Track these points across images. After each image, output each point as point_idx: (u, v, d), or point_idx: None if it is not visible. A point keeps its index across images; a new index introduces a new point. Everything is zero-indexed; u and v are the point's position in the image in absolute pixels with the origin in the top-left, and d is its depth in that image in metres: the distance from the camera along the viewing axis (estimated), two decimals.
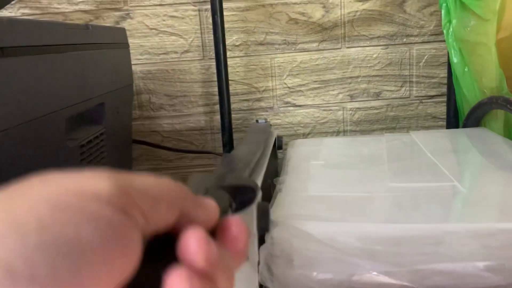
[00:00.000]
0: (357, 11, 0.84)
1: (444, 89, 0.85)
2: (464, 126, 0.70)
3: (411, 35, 0.85)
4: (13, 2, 0.81)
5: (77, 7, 0.85)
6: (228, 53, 0.82)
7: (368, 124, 0.90)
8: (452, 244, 0.33)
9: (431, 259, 0.32)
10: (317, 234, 0.35)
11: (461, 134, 0.66)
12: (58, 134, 0.48)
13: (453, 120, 0.78)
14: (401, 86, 0.88)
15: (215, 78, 0.78)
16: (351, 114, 0.90)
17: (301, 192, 0.45)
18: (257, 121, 0.79)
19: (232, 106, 0.83)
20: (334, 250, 0.34)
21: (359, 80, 0.88)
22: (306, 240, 0.35)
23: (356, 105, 0.89)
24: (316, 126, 0.91)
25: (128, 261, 0.15)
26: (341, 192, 0.44)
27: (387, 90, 0.88)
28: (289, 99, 0.89)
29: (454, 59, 0.71)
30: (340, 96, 0.89)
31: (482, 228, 0.34)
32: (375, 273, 0.32)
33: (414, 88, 0.88)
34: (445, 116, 0.83)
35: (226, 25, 0.79)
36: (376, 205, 0.41)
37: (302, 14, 0.85)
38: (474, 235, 0.33)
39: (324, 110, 0.90)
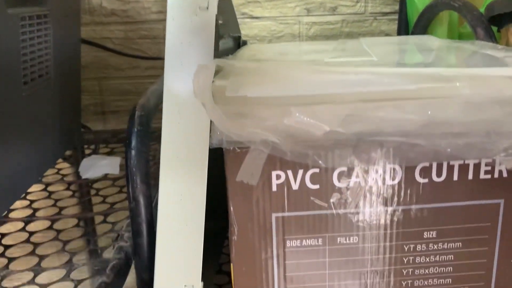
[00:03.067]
0: None
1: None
2: (412, 34, 0.72)
3: None
4: None
5: None
6: None
7: (323, 39, 0.91)
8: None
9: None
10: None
11: (403, 39, 0.68)
12: None
13: (404, 34, 0.80)
14: (357, 2, 0.88)
15: None
16: (307, 28, 0.90)
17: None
18: None
19: None
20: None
21: None
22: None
23: (313, 19, 0.89)
24: (272, 40, 0.90)
25: None
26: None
27: (343, 5, 0.88)
28: (246, 10, 0.88)
29: None
30: (297, 9, 0.88)
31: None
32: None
33: (370, 5, 0.88)
34: None
35: None
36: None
37: None
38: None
39: (280, 23, 0.89)
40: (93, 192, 0.54)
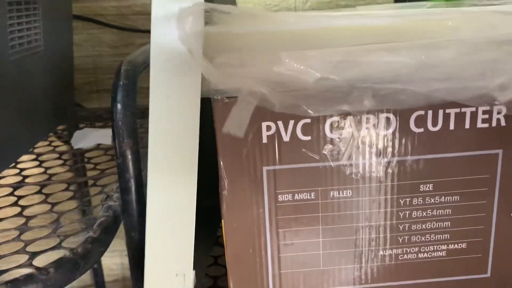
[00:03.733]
0: None
1: None
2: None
3: None
4: None
5: None
6: None
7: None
8: None
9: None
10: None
11: (400, 4, 0.66)
12: None
13: None
14: None
15: None
16: (303, 2, 0.88)
17: None
18: None
19: None
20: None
21: None
22: None
23: None
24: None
25: None
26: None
27: None
28: None
29: None
30: None
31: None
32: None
33: None
34: None
35: None
36: None
37: None
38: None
39: None
40: (84, 160, 0.53)
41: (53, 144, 0.59)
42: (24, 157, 0.53)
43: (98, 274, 0.93)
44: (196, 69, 0.33)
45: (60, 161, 0.53)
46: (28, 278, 0.28)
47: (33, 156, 0.54)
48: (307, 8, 0.88)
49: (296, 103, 0.33)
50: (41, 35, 0.57)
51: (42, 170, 0.50)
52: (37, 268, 0.29)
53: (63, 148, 0.57)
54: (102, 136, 0.58)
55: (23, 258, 0.31)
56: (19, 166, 0.51)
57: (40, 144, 0.58)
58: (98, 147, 0.56)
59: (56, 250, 0.31)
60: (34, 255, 0.31)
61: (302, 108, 0.33)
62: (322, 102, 0.33)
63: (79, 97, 0.85)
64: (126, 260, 0.93)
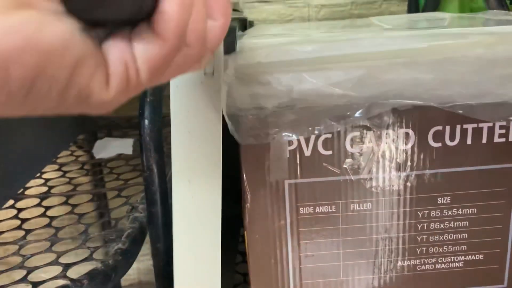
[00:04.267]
0: None
1: None
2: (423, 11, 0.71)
3: None
4: None
5: None
6: None
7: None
8: None
9: None
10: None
11: (415, 15, 0.67)
12: None
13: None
14: None
15: None
16: (316, 11, 0.90)
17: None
18: None
19: None
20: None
21: None
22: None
23: (322, 1, 0.89)
24: (282, 23, 0.90)
25: None
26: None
27: None
28: None
29: None
30: None
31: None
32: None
33: None
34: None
35: None
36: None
37: None
38: None
39: (289, 6, 0.89)
40: (106, 170, 0.54)
41: (75, 154, 0.61)
42: (48, 167, 0.55)
43: None
44: (218, 85, 0.35)
45: (83, 171, 0.54)
46: None
47: (57, 167, 0.56)
48: (320, 17, 0.89)
49: (319, 118, 0.34)
50: None
51: (66, 180, 0.51)
52: (71, 280, 0.30)
53: (85, 158, 0.59)
54: (122, 146, 0.60)
55: (57, 269, 0.32)
56: (44, 176, 0.52)
57: (62, 154, 0.60)
58: (119, 157, 0.58)
59: (88, 262, 0.32)
60: (67, 266, 0.32)
61: (325, 122, 0.34)
62: (343, 118, 0.34)
63: None
64: (142, 265, 0.95)
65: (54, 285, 0.29)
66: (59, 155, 0.59)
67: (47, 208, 0.44)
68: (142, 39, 0.15)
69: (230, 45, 0.33)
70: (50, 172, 0.54)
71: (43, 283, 0.30)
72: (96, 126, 0.76)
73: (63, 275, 0.31)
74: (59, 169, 0.55)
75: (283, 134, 0.31)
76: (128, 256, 0.34)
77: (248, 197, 0.36)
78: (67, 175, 0.53)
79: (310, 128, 0.34)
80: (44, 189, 0.49)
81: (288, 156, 0.35)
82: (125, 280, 0.98)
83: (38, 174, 0.52)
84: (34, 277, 0.31)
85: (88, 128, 0.71)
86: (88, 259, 0.33)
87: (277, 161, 0.33)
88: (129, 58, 0.15)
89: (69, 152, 0.61)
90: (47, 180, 0.51)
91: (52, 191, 0.48)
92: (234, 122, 0.32)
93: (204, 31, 0.17)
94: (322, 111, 0.34)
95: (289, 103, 0.33)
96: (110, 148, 0.60)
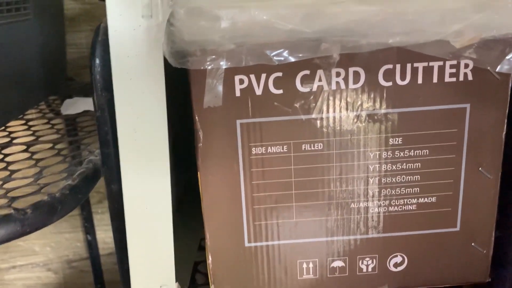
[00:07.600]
0: None
1: None
2: None
3: None
4: None
5: None
6: None
7: None
8: None
9: None
10: None
11: None
12: None
13: None
14: None
15: None
16: None
17: None
18: None
19: None
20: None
21: None
22: None
23: None
24: None
25: None
26: None
27: None
28: None
29: None
30: None
31: None
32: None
33: None
34: None
35: None
36: None
37: None
38: None
39: None
40: (71, 125, 0.54)
41: (43, 111, 0.60)
42: (14, 122, 0.54)
43: (93, 247, 0.95)
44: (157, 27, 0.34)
45: (48, 125, 0.54)
46: (6, 217, 0.29)
47: (23, 122, 0.55)
48: None
49: (263, 53, 0.34)
50: (30, 3, 0.58)
51: (30, 132, 0.51)
52: (15, 209, 0.30)
53: (52, 115, 0.59)
54: (90, 103, 0.60)
55: (3, 201, 0.32)
56: (8, 129, 0.52)
57: (30, 111, 0.60)
58: (86, 113, 0.57)
59: (36, 195, 0.33)
60: (13, 199, 0.32)
61: (269, 57, 0.34)
62: (293, 55, 0.34)
63: (72, 71, 0.85)
64: None
65: None
66: (26, 113, 0.59)
67: (6, 155, 0.44)
68: None
69: None
70: (15, 126, 0.54)
71: None
72: (70, 89, 0.75)
73: (8, 205, 0.31)
74: (24, 124, 0.55)
75: (221, 62, 0.31)
76: (76, 192, 0.34)
77: (201, 136, 0.36)
78: (32, 128, 0.53)
79: (260, 67, 0.34)
80: (6, 140, 0.49)
81: (239, 95, 0.35)
82: (103, 249, 0.98)
83: (2, 128, 0.52)
84: None
85: (60, 90, 0.71)
86: (36, 193, 0.33)
87: (211, 90, 0.32)
88: None
89: (37, 110, 0.61)
90: (10, 132, 0.51)
91: (14, 141, 0.48)
92: (174, 55, 0.32)
93: None
94: (270, 48, 0.33)
95: (235, 40, 0.33)
96: (78, 105, 0.60)
